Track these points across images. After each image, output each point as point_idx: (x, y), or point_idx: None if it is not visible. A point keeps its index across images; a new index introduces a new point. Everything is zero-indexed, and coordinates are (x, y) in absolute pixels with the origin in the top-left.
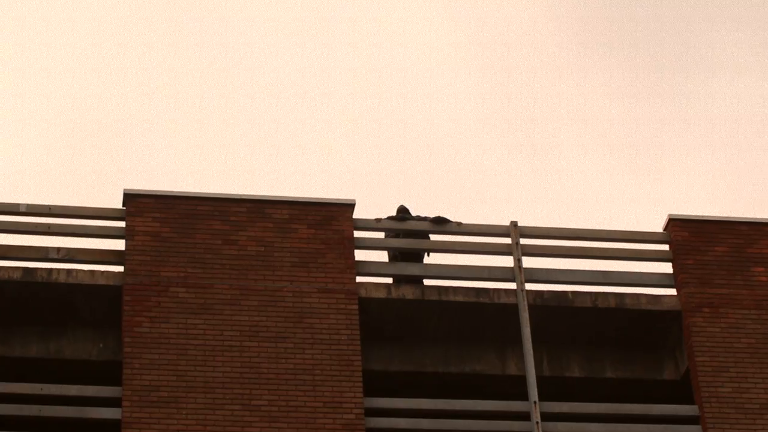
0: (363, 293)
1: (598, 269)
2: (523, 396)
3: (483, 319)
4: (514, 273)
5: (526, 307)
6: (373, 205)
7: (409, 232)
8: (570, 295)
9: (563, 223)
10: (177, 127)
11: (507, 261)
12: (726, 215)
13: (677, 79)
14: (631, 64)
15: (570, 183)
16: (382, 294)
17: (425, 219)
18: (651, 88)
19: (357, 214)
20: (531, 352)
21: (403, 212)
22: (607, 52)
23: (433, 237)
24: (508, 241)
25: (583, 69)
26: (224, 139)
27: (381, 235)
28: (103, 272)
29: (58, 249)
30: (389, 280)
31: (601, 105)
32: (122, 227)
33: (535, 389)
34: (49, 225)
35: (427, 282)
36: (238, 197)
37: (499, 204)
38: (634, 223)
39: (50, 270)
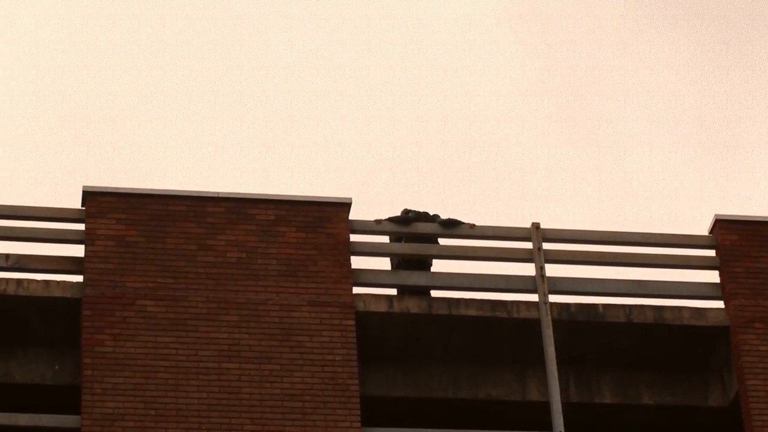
0: (361, 306)
1: (634, 278)
2: (547, 426)
3: (500, 336)
4: (536, 283)
5: (550, 323)
6: (372, 204)
7: (414, 236)
8: (600, 308)
9: (592, 224)
10: (147, 118)
11: (528, 269)
12: None
13: (744, 51)
14: (696, 37)
15: (607, 177)
16: (382, 307)
17: (433, 220)
18: (717, 60)
19: (354, 214)
20: (555, 374)
21: (407, 213)
22: (670, 24)
23: (442, 241)
24: (529, 245)
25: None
26: (200, 131)
27: (382, 239)
28: (59, 283)
29: (7, 256)
30: (391, 291)
31: (660, 82)
32: (81, 230)
33: (561, 418)
34: None
35: (434, 293)
36: (216, 195)
37: (519, 203)
38: (676, 225)
39: None
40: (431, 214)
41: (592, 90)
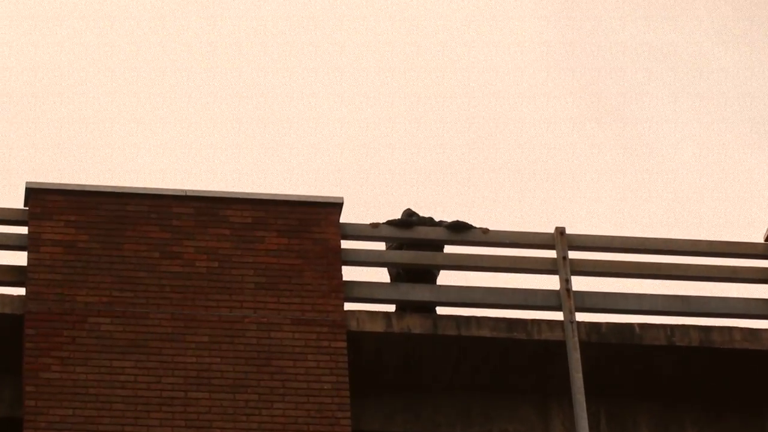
0: (354, 325)
1: (676, 293)
2: None
3: (518, 361)
4: (561, 298)
5: (577, 346)
6: (367, 205)
7: (417, 242)
8: (637, 328)
9: (627, 230)
10: (102, 106)
11: (551, 282)
12: None
13: None
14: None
15: (644, 173)
16: (379, 326)
17: (439, 224)
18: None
19: (346, 217)
20: (584, 406)
21: (409, 215)
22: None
23: (449, 249)
24: (552, 254)
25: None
26: (165, 121)
27: (379, 245)
28: None
29: None
30: (390, 308)
31: (708, 56)
32: (23, 234)
33: None
34: None
35: (441, 311)
36: (183, 194)
37: (540, 203)
38: (727, 231)
39: None
40: (437, 220)
41: (624, 67)
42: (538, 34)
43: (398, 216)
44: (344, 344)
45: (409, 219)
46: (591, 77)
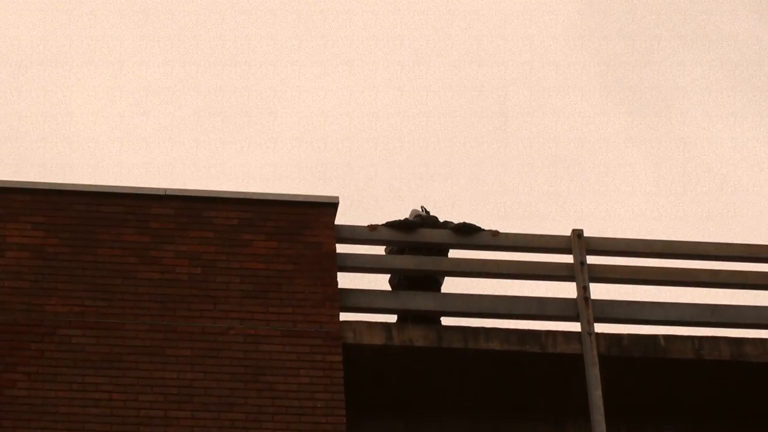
0: (350, 338)
1: (705, 302)
2: None
3: (531, 377)
4: (578, 307)
5: (596, 360)
6: (365, 204)
7: (420, 246)
8: (662, 341)
9: (651, 232)
10: (73, 95)
11: (567, 289)
12: None
13: None
14: None
15: (672, 169)
16: (378, 339)
17: (445, 225)
18: None
19: (341, 218)
20: (603, 427)
21: (419, 215)
22: None
23: (455, 253)
24: (569, 259)
25: None
26: (143, 113)
27: (378, 249)
28: None
29: None
30: (390, 318)
31: (744, 31)
32: None
33: None
34: None
35: (446, 321)
36: (163, 193)
37: (555, 203)
38: (761, 233)
39: None
40: (441, 221)
41: (653, 52)
42: (556, 15)
43: (403, 216)
44: (340, 358)
45: (411, 220)
46: (615, 61)
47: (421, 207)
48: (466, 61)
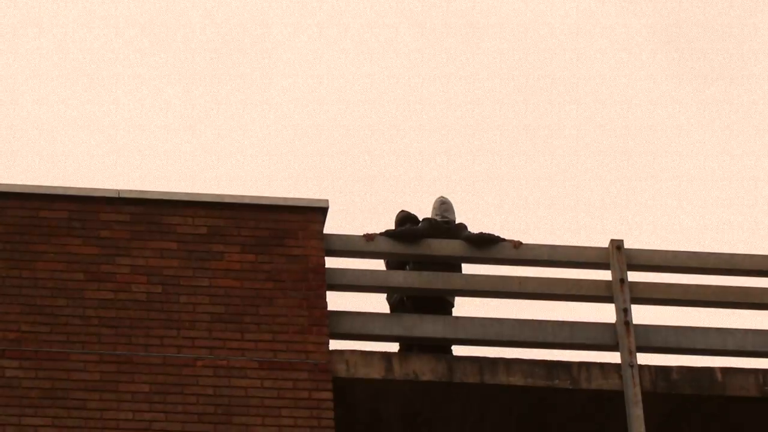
0: (342, 371)
1: None
2: None
3: (562, 417)
4: (618, 334)
5: (639, 397)
6: (359, 209)
7: (427, 260)
8: (718, 374)
9: (704, 243)
10: (14, 86)
11: (605, 312)
12: None
13: None
14: None
15: (732, 166)
16: (376, 372)
17: (458, 233)
18: None
19: (331, 225)
20: None
21: (434, 214)
22: None
23: (470, 268)
24: (607, 275)
25: None
26: (94, 102)
27: (376, 264)
28: None
29: None
30: (390, 347)
31: None
32: None
33: None
34: None
35: (458, 350)
36: (116, 195)
37: (591, 209)
38: None
39: None
40: (456, 222)
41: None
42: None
43: (420, 213)
44: (330, 395)
45: (415, 228)
46: (669, 44)
47: (441, 201)
48: (477, 53)
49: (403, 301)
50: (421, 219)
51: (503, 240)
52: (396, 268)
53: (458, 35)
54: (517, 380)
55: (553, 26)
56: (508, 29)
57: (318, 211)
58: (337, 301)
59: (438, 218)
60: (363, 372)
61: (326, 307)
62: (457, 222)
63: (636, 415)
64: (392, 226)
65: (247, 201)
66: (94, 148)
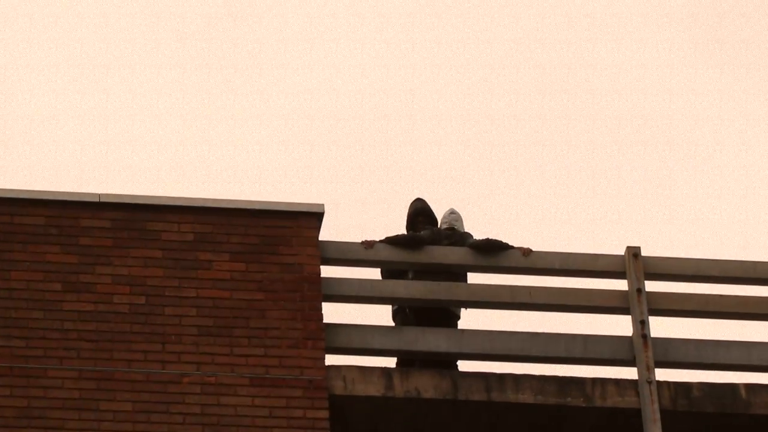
0: (339, 387)
1: None
2: None
3: None
4: (634, 348)
5: (658, 415)
6: (356, 215)
7: (430, 268)
8: (742, 391)
9: (727, 250)
10: None
11: (621, 324)
12: None
13: None
14: None
15: (757, 165)
16: (376, 388)
17: (463, 240)
18: None
19: (327, 232)
20: None
21: (443, 223)
22: None
23: (476, 277)
24: (622, 285)
25: None
26: (73, 101)
27: (375, 273)
28: None
29: None
30: (390, 363)
31: None
32: None
33: None
34: None
35: (464, 365)
36: (97, 200)
37: (604, 214)
38: None
39: None
40: (461, 230)
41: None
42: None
43: (402, 229)
44: (326, 414)
45: (417, 235)
46: (696, 26)
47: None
48: (487, 45)
49: (404, 313)
50: (435, 214)
51: (512, 247)
52: (390, 276)
53: (464, 32)
54: (526, 398)
55: (574, 32)
56: (514, 31)
57: (313, 217)
58: (333, 312)
59: (444, 227)
60: (361, 389)
61: (322, 319)
62: (463, 232)
63: None
64: (392, 232)
65: (237, 206)
66: (74, 149)
